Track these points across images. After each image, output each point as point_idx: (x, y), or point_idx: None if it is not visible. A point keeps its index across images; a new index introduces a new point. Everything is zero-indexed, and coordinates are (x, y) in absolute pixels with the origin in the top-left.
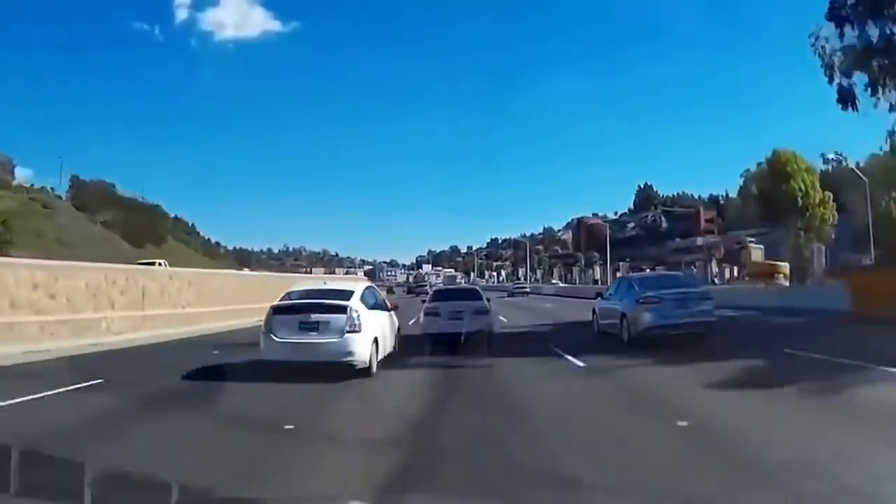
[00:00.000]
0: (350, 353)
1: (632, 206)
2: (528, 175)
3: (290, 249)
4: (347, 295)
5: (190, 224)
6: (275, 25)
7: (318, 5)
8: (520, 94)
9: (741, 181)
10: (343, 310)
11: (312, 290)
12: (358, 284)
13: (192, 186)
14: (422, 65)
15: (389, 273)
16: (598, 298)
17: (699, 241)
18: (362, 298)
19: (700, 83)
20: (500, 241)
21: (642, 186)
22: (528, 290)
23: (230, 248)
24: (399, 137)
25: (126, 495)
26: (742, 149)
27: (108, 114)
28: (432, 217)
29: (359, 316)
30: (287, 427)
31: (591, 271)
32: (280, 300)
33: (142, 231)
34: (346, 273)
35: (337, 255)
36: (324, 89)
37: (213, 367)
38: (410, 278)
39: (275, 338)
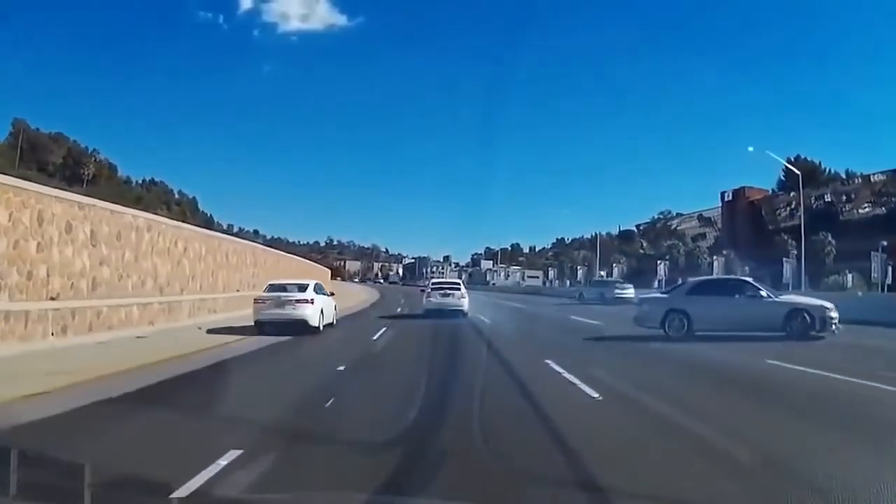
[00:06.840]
0: (461, 306)
1: (774, 188)
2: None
3: (335, 242)
4: (459, 284)
5: (190, 197)
6: (340, 19)
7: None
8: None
9: None
10: (459, 288)
11: (445, 280)
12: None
13: (236, 177)
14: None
15: (434, 269)
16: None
17: None
18: (466, 285)
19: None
20: (567, 241)
21: (793, 160)
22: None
23: (268, 236)
24: (454, 134)
25: (126, 496)
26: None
27: (165, 101)
28: (491, 215)
29: (465, 290)
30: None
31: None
32: (431, 282)
33: None
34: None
35: (387, 250)
36: (387, 83)
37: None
38: (465, 275)
39: (431, 299)
